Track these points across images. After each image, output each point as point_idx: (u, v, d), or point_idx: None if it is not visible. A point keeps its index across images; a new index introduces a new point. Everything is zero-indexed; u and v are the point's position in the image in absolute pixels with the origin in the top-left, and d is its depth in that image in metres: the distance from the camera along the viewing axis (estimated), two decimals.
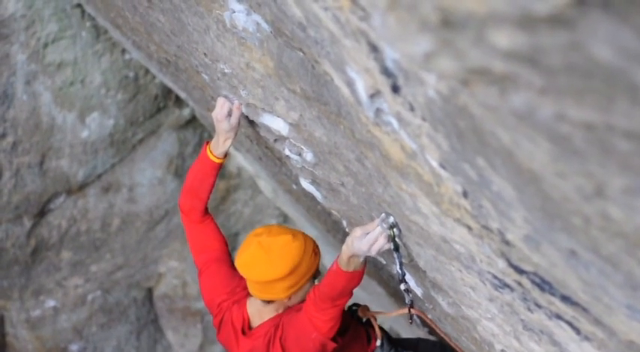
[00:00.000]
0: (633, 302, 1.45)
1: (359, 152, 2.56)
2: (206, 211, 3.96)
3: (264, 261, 3.40)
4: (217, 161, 3.76)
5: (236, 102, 3.61)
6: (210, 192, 3.91)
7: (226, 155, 3.80)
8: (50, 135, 7.06)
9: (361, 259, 3.04)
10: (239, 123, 3.67)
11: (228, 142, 3.72)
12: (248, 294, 3.68)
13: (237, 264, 3.51)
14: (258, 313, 3.68)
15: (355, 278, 3.14)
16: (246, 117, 3.68)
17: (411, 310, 3.29)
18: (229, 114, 3.63)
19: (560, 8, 0.93)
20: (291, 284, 3.46)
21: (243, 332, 3.70)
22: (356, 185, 3.00)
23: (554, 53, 0.99)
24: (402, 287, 3.16)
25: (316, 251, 3.54)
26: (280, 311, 3.62)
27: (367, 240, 2.91)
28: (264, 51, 2.85)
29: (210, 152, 3.74)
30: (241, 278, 3.69)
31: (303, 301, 3.53)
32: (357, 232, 2.97)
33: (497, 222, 1.73)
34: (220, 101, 3.66)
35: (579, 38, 0.95)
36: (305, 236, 3.55)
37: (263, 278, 3.43)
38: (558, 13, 0.94)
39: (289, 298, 3.52)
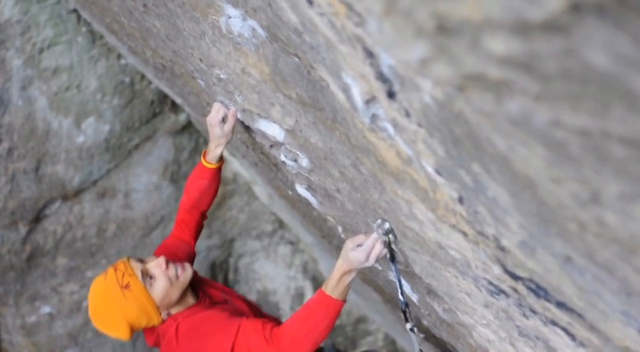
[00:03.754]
0: (628, 308, 1.45)
1: (355, 158, 2.56)
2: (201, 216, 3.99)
3: (100, 325, 3.42)
4: (208, 166, 3.74)
5: (232, 108, 3.58)
6: (209, 201, 3.92)
7: (222, 161, 3.80)
8: (46, 141, 7.05)
9: (353, 276, 3.02)
10: (233, 130, 3.67)
11: (219, 149, 3.71)
12: None
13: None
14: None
15: (332, 311, 3.08)
16: (242, 122, 3.67)
17: None
18: (224, 120, 3.61)
19: (556, 14, 0.94)
20: (133, 328, 3.45)
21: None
22: (352, 191, 3.00)
23: (550, 59, 0.99)
24: (408, 326, 3.07)
25: (125, 285, 3.34)
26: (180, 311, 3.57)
27: (364, 248, 2.89)
28: (260, 56, 2.85)
29: (204, 158, 3.75)
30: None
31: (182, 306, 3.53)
32: (349, 245, 2.96)
33: (493, 227, 1.73)
34: (216, 106, 3.63)
35: (574, 44, 0.95)
36: (103, 281, 3.40)
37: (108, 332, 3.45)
38: (553, 20, 0.94)
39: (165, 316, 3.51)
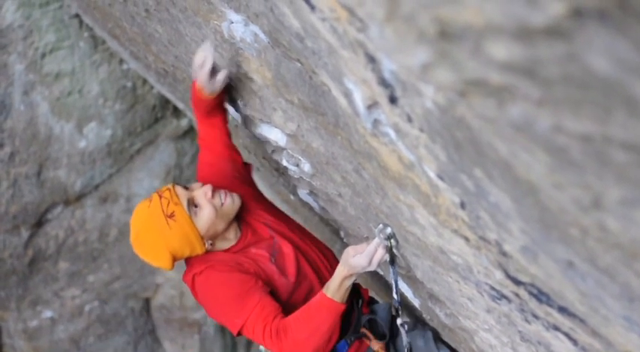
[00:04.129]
0: (630, 313, 1.45)
1: (356, 163, 2.56)
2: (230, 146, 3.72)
3: (141, 253, 3.27)
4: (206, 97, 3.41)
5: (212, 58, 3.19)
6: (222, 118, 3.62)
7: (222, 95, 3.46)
8: (48, 146, 7.06)
9: (353, 279, 3.03)
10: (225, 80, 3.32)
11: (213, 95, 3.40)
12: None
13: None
14: None
15: (333, 313, 3.08)
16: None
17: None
18: (212, 72, 3.26)
19: (557, 20, 0.94)
20: (198, 245, 3.27)
21: None
22: (353, 196, 3.00)
23: (552, 65, 0.99)
24: (399, 322, 3.14)
25: (170, 214, 3.17)
26: (214, 250, 3.38)
27: (367, 253, 2.90)
28: (262, 61, 2.86)
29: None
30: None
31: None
32: (351, 252, 2.96)
33: (495, 233, 1.73)
34: (199, 57, 3.22)
35: (576, 50, 0.95)
36: (157, 199, 3.21)
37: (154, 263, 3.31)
38: (555, 25, 0.94)
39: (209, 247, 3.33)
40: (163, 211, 3.16)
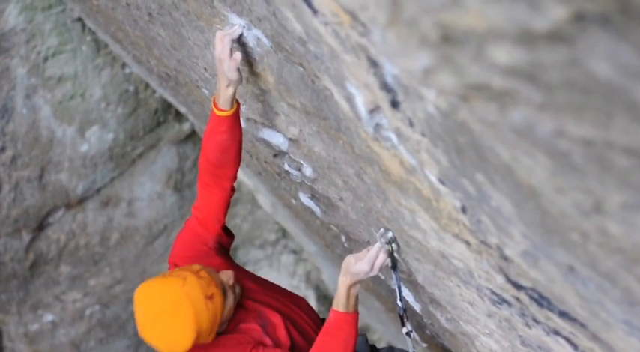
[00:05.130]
0: (631, 318, 1.45)
1: (358, 167, 2.56)
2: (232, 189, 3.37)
3: (158, 334, 3.05)
4: (223, 114, 3.06)
5: (236, 26, 2.86)
6: (234, 159, 3.22)
7: (238, 105, 3.10)
8: (50, 149, 7.06)
9: (358, 286, 3.01)
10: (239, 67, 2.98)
11: (231, 89, 3.01)
12: None
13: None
14: None
15: (353, 326, 3.03)
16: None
17: None
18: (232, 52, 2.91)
19: (559, 25, 0.94)
20: (204, 338, 3.09)
21: None
22: (355, 200, 3.00)
23: (553, 69, 0.99)
24: (404, 330, 3.07)
25: (210, 295, 3.02)
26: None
27: (369, 258, 2.89)
28: (264, 66, 2.86)
29: (215, 107, 3.08)
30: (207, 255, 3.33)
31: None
32: (352, 260, 2.94)
33: (496, 237, 1.73)
34: (219, 36, 2.91)
35: (578, 55, 0.95)
36: (187, 293, 2.98)
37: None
38: (557, 30, 0.95)
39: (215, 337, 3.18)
40: (204, 291, 3.01)
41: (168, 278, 3.07)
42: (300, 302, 3.60)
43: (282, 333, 3.33)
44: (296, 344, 3.34)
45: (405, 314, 3.04)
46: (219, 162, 3.19)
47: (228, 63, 2.90)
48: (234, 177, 3.28)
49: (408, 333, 3.07)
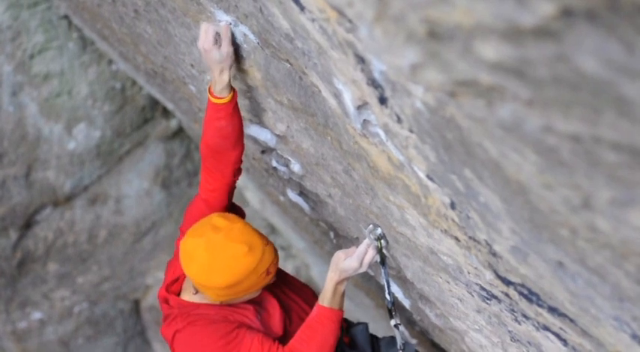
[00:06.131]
0: (620, 313, 1.45)
1: (346, 163, 2.55)
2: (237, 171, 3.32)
3: (204, 264, 2.97)
4: (220, 102, 3.01)
5: (223, 22, 2.90)
6: (234, 144, 3.16)
7: (234, 92, 3.03)
8: (36, 147, 7.03)
9: (346, 283, 3.01)
10: (232, 49, 2.93)
11: (226, 74, 2.96)
12: None
13: (181, 246, 3.07)
14: (187, 283, 3.27)
15: (336, 323, 3.05)
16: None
17: None
18: (217, 41, 2.88)
19: (547, 20, 0.94)
20: (225, 294, 3.05)
21: (167, 289, 3.31)
22: (343, 196, 3.00)
23: (541, 65, 0.99)
24: (392, 322, 3.08)
25: (270, 270, 3.04)
26: (201, 302, 3.18)
27: (357, 254, 2.90)
28: (252, 62, 2.85)
29: (212, 95, 3.02)
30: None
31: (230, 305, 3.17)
32: (341, 256, 2.95)
33: (485, 233, 1.73)
34: (204, 27, 2.90)
35: (566, 50, 0.95)
36: (265, 253, 3.01)
37: (197, 279, 3.02)
38: (544, 25, 0.94)
39: (220, 302, 3.15)
40: (270, 264, 3.05)
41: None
42: (305, 293, 3.57)
43: (275, 323, 3.29)
44: (291, 335, 3.31)
45: (393, 308, 3.06)
46: (220, 147, 3.15)
47: (215, 52, 2.89)
48: (237, 162, 3.22)
49: (396, 325, 3.10)
